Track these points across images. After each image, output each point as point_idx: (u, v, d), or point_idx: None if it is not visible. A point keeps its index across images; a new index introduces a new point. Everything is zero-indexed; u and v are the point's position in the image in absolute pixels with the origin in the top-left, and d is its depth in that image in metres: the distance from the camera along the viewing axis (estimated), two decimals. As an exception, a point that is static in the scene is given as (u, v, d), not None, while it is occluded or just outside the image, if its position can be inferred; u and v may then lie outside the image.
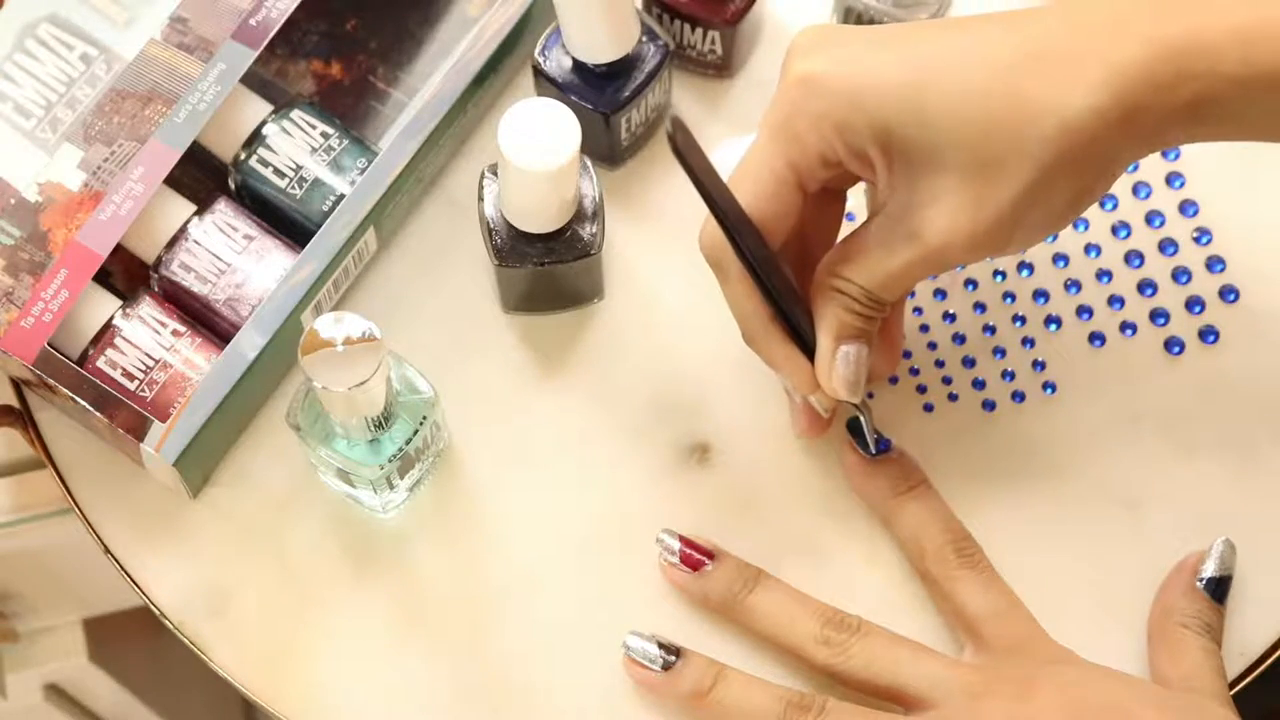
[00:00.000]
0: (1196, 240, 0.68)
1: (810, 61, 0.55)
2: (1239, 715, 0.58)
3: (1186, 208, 0.68)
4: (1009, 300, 0.67)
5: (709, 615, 0.63)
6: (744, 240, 0.56)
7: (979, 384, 0.66)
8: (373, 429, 0.59)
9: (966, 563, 0.61)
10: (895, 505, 0.63)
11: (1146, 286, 0.67)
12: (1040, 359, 0.66)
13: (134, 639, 0.99)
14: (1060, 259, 0.68)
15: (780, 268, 0.57)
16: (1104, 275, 0.67)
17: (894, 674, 0.59)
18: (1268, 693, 0.59)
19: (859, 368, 0.58)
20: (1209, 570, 0.62)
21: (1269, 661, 0.62)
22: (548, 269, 0.63)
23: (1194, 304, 0.67)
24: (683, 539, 0.63)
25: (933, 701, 0.58)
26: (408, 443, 0.60)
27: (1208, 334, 0.66)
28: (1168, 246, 0.68)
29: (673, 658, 0.60)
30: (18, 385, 0.67)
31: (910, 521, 0.63)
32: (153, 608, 0.64)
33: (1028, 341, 0.66)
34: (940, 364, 0.66)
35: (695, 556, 0.62)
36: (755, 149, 0.56)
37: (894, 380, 0.66)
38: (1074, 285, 0.67)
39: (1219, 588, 0.61)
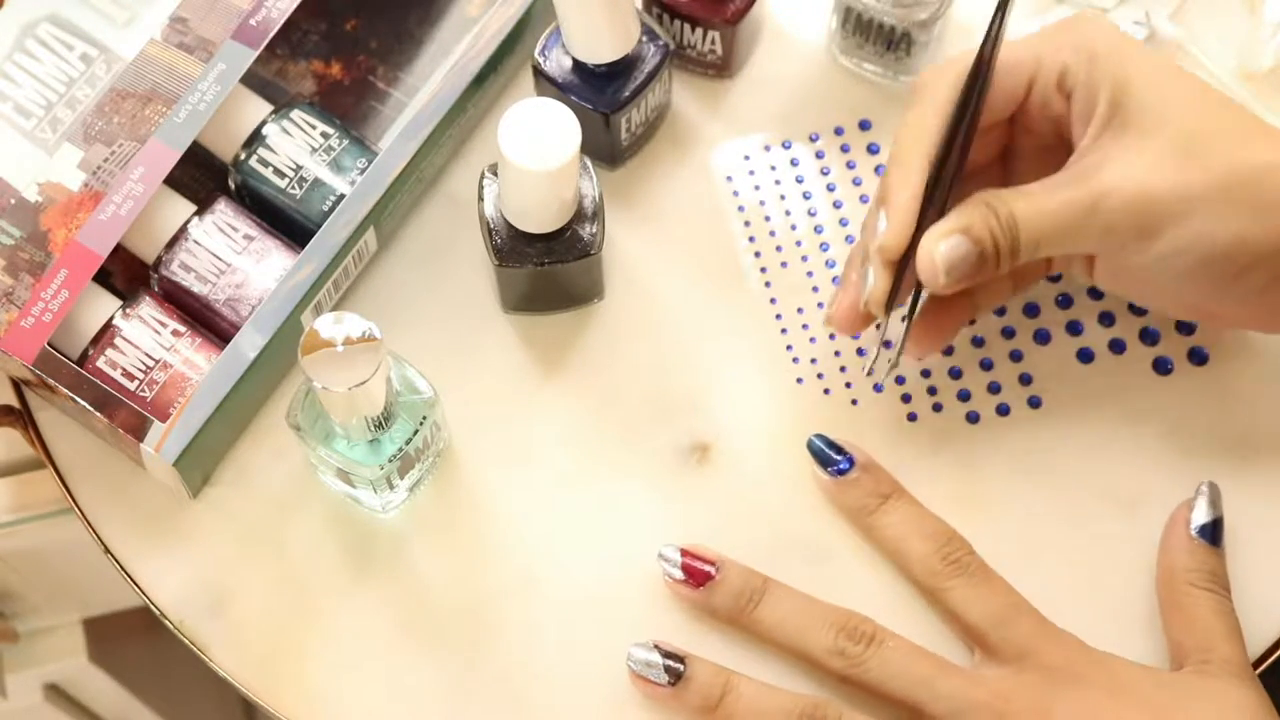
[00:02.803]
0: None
1: (1102, 18, 0.61)
2: (1254, 678, 0.58)
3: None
4: (999, 313, 0.67)
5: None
6: (981, 84, 0.58)
7: (964, 395, 0.66)
8: (373, 429, 0.59)
9: (954, 569, 0.61)
10: (870, 523, 0.63)
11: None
12: (1027, 373, 0.66)
13: (134, 639, 0.99)
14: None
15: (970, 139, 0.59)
16: (1096, 291, 0.67)
17: (912, 691, 0.58)
18: (1268, 692, 0.59)
19: (962, 263, 0.57)
20: (1201, 516, 0.61)
21: (1269, 661, 0.62)
22: (548, 269, 0.63)
23: (1185, 325, 0.66)
24: (684, 551, 0.62)
25: None
26: (408, 443, 0.60)
27: (1196, 355, 0.66)
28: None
29: (678, 665, 0.60)
30: (18, 385, 0.67)
31: (889, 536, 0.62)
32: (153, 608, 0.64)
33: (1015, 354, 0.66)
34: (926, 374, 0.66)
35: (698, 568, 0.62)
36: (1020, 38, 0.59)
37: (879, 388, 0.66)
38: (1065, 300, 0.67)
39: (1214, 531, 0.61)
